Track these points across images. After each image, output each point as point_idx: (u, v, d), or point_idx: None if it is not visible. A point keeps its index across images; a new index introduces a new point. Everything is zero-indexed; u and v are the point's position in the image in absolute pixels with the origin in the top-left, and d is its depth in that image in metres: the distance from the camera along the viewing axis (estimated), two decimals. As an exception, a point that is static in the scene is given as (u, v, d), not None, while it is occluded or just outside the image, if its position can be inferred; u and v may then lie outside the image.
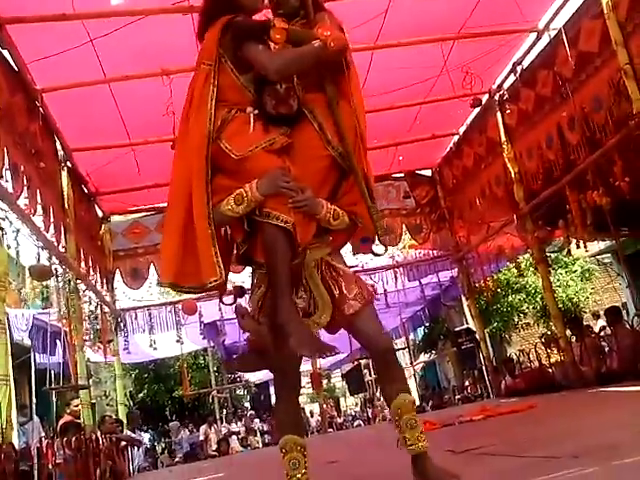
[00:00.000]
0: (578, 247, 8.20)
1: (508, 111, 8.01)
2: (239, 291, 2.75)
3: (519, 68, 7.68)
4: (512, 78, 7.91)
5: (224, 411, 17.29)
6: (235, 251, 2.69)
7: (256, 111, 2.58)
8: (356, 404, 24.31)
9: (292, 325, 2.35)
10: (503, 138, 8.20)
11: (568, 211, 6.98)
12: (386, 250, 2.86)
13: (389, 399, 2.51)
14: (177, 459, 14.37)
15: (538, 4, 6.91)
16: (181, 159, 2.63)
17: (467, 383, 15.23)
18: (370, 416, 19.17)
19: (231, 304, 2.76)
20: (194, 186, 2.49)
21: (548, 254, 10.00)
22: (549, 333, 10.83)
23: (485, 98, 8.48)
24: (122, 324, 9.94)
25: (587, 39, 6.21)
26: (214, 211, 2.48)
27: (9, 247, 6.03)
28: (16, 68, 5.85)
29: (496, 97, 8.32)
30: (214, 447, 14.13)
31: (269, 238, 2.42)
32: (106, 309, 9.40)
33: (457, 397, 14.80)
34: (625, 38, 5.66)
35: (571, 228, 7.18)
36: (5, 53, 5.59)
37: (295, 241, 2.42)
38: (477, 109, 8.53)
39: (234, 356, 2.65)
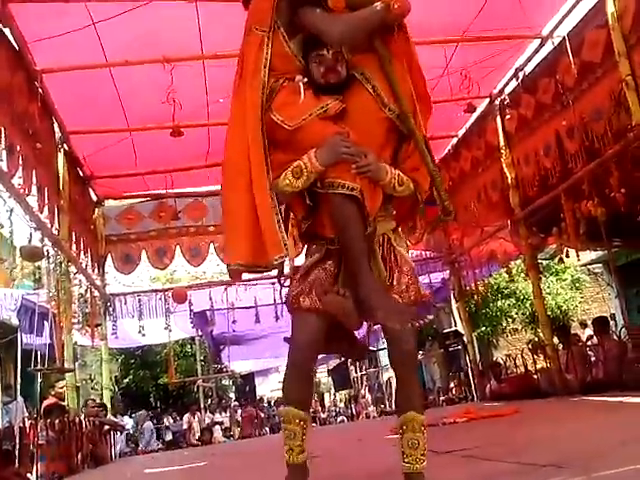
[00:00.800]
0: (567, 256, 8.21)
1: (508, 116, 8.01)
2: None
3: (521, 74, 7.67)
4: (513, 83, 7.91)
5: (209, 401, 17.28)
6: (296, 229, 2.55)
7: (305, 79, 2.44)
8: (340, 400, 24.28)
9: (376, 296, 2.24)
10: (502, 143, 8.20)
11: (562, 219, 6.98)
12: (452, 215, 2.65)
13: (399, 410, 2.39)
14: (140, 448, 14.20)
15: (543, 11, 6.89)
16: (238, 134, 2.45)
17: (452, 385, 15.26)
18: (354, 413, 19.18)
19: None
20: (252, 160, 2.35)
21: (539, 261, 10.03)
22: (536, 339, 10.88)
23: (486, 102, 8.48)
24: (111, 309, 9.92)
25: (590, 48, 6.22)
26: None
27: (2, 226, 6.01)
28: (17, 47, 5.79)
29: (497, 102, 8.34)
30: (197, 436, 14.16)
31: (338, 208, 2.27)
32: (96, 293, 9.37)
33: (442, 398, 14.84)
34: (628, 49, 5.66)
35: (564, 236, 7.19)
36: (6, 31, 5.53)
37: (364, 209, 2.27)
38: (476, 113, 8.52)
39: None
